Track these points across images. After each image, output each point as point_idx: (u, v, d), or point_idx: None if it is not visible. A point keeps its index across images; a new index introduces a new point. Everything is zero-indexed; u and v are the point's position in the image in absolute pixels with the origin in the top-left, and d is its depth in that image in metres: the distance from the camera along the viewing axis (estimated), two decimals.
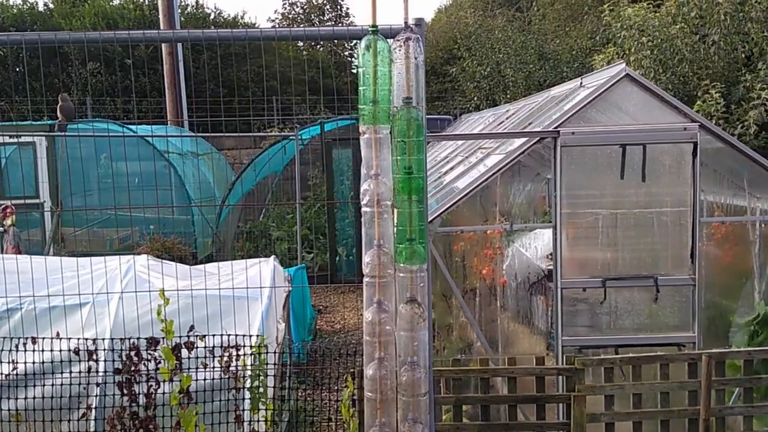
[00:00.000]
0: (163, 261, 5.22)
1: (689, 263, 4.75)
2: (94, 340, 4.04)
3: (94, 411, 3.98)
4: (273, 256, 5.40)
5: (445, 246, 5.18)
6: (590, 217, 4.86)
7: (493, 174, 4.82)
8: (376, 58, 2.83)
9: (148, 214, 10.19)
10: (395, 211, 3.00)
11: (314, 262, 11.14)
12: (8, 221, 8.63)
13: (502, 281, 5.27)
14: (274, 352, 4.24)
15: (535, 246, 5.33)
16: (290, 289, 5.54)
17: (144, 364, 3.92)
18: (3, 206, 8.72)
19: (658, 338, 4.79)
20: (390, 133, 2.95)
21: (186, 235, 10.87)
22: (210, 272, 4.93)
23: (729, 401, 4.44)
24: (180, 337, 3.87)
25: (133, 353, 3.89)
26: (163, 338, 3.73)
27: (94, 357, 4.00)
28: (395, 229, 3.01)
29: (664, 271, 4.79)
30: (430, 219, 4.47)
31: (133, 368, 3.89)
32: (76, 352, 4.02)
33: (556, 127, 4.70)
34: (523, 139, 4.87)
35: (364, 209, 2.98)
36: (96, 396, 3.98)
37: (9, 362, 4.01)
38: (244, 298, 4.31)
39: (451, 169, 6.64)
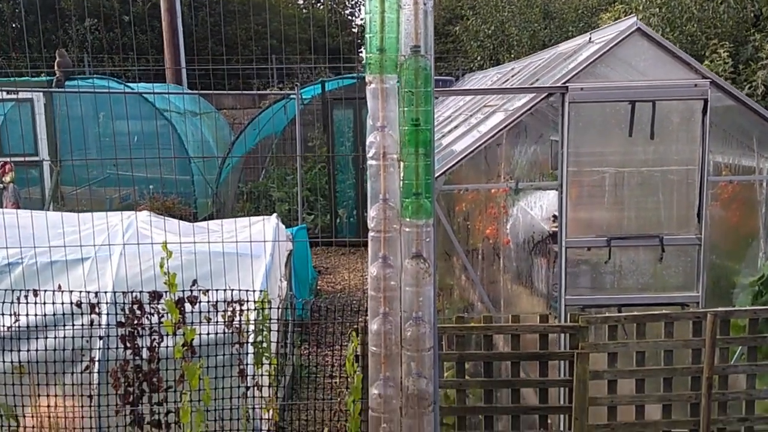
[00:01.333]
0: (165, 218, 5.17)
1: (695, 223, 4.70)
2: (96, 293, 4.02)
3: (97, 364, 3.98)
4: (275, 214, 5.35)
5: (448, 205, 5.13)
6: (597, 175, 4.80)
7: (499, 131, 4.74)
8: (384, 4, 2.73)
9: (148, 174, 10.11)
10: (401, 164, 2.94)
11: (315, 223, 11.11)
12: (7, 178, 8.59)
13: (506, 241, 5.24)
14: (277, 308, 4.23)
15: (540, 205, 5.28)
16: (292, 248, 5.50)
17: (147, 317, 3.90)
18: (2, 163, 8.66)
19: (661, 298, 4.77)
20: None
21: (186, 195, 10.82)
22: (212, 229, 4.89)
23: (732, 360, 4.44)
24: (183, 291, 3.85)
25: (135, 306, 3.87)
26: (166, 292, 3.70)
27: (97, 310, 3.98)
28: (401, 183, 2.95)
29: (670, 231, 4.74)
30: (435, 176, 4.41)
31: (136, 322, 3.88)
32: (79, 305, 4.01)
33: (564, 83, 4.60)
34: (529, 96, 4.77)
35: (369, 162, 2.91)
36: (99, 349, 3.98)
37: (11, 314, 4.00)
38: (247, 254, 4.27)
39: (456, 127, 6.55)
